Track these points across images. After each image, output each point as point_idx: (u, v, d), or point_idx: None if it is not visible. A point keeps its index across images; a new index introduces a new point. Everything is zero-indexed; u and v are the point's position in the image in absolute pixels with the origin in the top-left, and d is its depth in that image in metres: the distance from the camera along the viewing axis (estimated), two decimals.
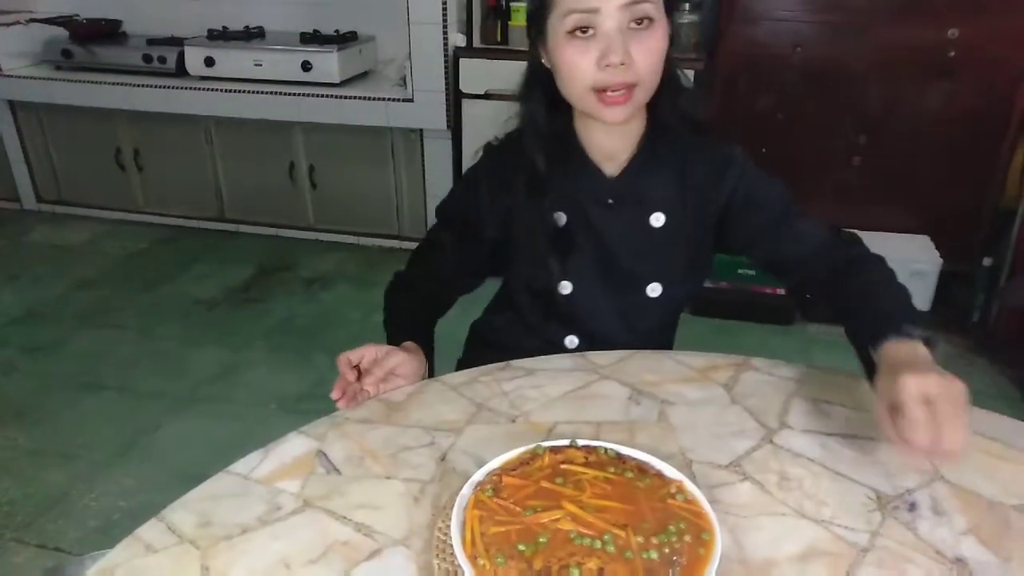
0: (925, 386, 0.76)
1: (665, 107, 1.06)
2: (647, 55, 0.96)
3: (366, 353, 1.01)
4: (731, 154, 1.09)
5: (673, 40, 1.02)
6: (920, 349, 0.84)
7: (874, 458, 0.88)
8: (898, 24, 2.54)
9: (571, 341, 1.17)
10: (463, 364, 1.26)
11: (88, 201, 3.68)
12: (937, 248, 2.65)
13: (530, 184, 1.08)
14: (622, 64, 0.94)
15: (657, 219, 1.09)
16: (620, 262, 1.11)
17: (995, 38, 2.49)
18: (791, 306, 2.69)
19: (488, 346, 1.24)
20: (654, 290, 1.12)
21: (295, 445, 0.90)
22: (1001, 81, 2.53)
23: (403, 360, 1.01)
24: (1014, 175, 2.62)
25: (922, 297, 2.61)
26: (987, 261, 2.63)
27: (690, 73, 2.69)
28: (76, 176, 3.65)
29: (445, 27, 2.87)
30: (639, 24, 0.95)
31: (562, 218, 1.10)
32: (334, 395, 0.99)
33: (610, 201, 1.09)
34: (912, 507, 0.81)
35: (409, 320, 1.15)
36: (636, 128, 1.07)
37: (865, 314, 0.95)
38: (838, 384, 1.03)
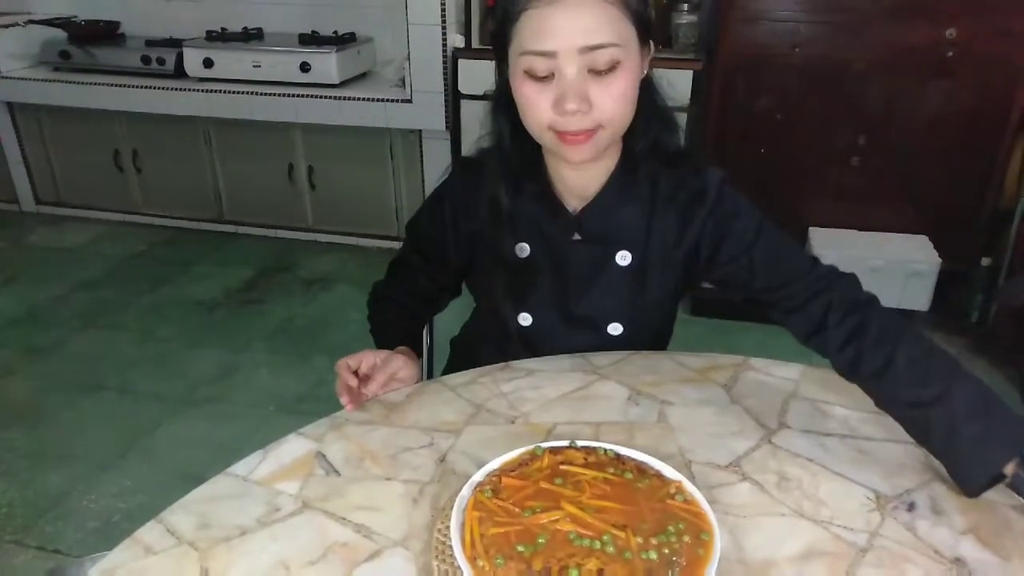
0: None
1: (639, 140, 1.00)
2: (609, 101, 0.90)
3: (364, 359, 1.01)
4: (704, 188, 1.02)
5: (649, 73, 0.97)
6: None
7: (873, 458, 0.88)
8: (897, 24, 2.53)
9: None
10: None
11: (87, 203, 3.68)
12: (936, 248, 2.65)
13: (492, 219, 1.04)
14: (579, 111, 0.88)
15: (623, 257, 1.04)
16: (582, 300, 1.07)
17: (993, 38, 2.49)
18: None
19: (466, 362, 1.23)
20: (615, 329, 1.08)
21: (294, 446, 0.90)
22: (999, 81, 2.53)
23: (403, 364, 1.01)
24: (1012, 175, 2.62)
25: (921, 297, 2.61)
26: (986, 261, 2.63)
27: (688, 74, 2.70)
28: (75, 178, 3.65)
29: (444, 28, 2.87)
30: (602, 69, 0.88)
31: (525, 250, 1.06)
32: (343, 400, 0.97)
33: (576, 237, 1.04)
34: (911, 507, 0.81)
35: (396, 327, 1.16)
36: (607, 162, 1.02)
37: (948, 431, 0.83)
38: (837, 384, 1.03)
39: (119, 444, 2.12)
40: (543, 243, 1.05)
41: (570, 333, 1.09)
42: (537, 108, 0.91)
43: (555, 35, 0.87)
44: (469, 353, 1.25)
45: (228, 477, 0.85)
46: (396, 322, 1.18)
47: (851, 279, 0.99)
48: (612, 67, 0.88)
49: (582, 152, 0.93)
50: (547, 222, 1.05)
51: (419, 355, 1.13)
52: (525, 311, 1.08)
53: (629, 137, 1.00)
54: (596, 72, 0.89)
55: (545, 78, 0.90)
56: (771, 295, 1.01)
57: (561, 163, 1.01)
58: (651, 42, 0.96)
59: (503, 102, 1.00)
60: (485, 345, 1.19)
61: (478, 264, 1.12)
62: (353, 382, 0.99)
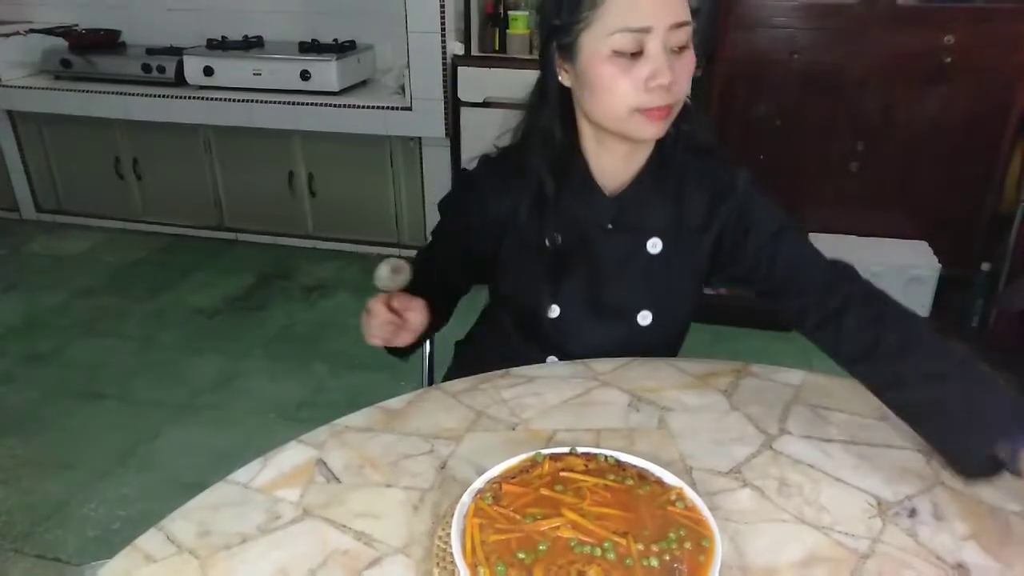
0: None
1: (674, 132, 1.03)
2: (685, 78, 0.95)
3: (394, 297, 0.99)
4: (732, 182, 1.06)
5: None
6: None
7: (874, 464, 0.88)
8: (895, 31, 2.55)
9: (551, 361, 1.15)
10: (448, 379, 1.25)
11: (87, 210, 3.68)
12: (936, 253, 2.65)
13: (533, 203, 1.05)
14: (672, 84, 0.92)
15: (654, 245, 1.06)
16: (613, 288, 1.08)
17: (991, 44, 2.50)
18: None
19: (471, 366, 1.22)
20: (644, 318, 1.09)
21: (294, 454, 0.90)
22: (997, 86, 2.54)
23: (420, 306, 0.99)
24: (1011, 180, 2.62)
25: (921, 302, 2.61)
26: (986, 266, 2.63)
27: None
28: (75, 186, 3.66)
29: (443, 36, 2.88)
30: (682, 46, 0.94)
31: (558, 239, 1.07)
32: (376, 337, 0.98)
33: (609, 226, 1.06)
34: (912, 513, 0.81)
35: (425, 287, 1.12)
36: (643, 151, 1.05)
37: (953, 410, 0.85)
38: (837, 390, 1.03)
39: (119, 452, 2.12)
40: (576, 232, 1.07)
41: (599, 324, 1.10)
42: (621, 88, 0.93)
43: (650, 9, 0.91)
44: (475, 356, 1.25)
45: (228, 484, 0.85)
46: (425, 284, 1.13)
47: (865, 280, 1.02)
48: (685, 46, 0.94)
49: (660, 128, 0.96)
50: (582, 210, 1.06)
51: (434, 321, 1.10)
52: (554, 302, 1.09)
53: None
54: (673, 51, 0.93)
55: (633, 56, 0.92)
56: (789, 290, 1.03)
57: (602, 152, 1.04)
58: None
59: (550, 100, 1.02)
60: (491, 350, 1.19)
61: (506, 254, 1.12)
62: (389, 316, 0.97)
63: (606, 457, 0.82)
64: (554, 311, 1.09)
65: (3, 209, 3.77)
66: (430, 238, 1.22)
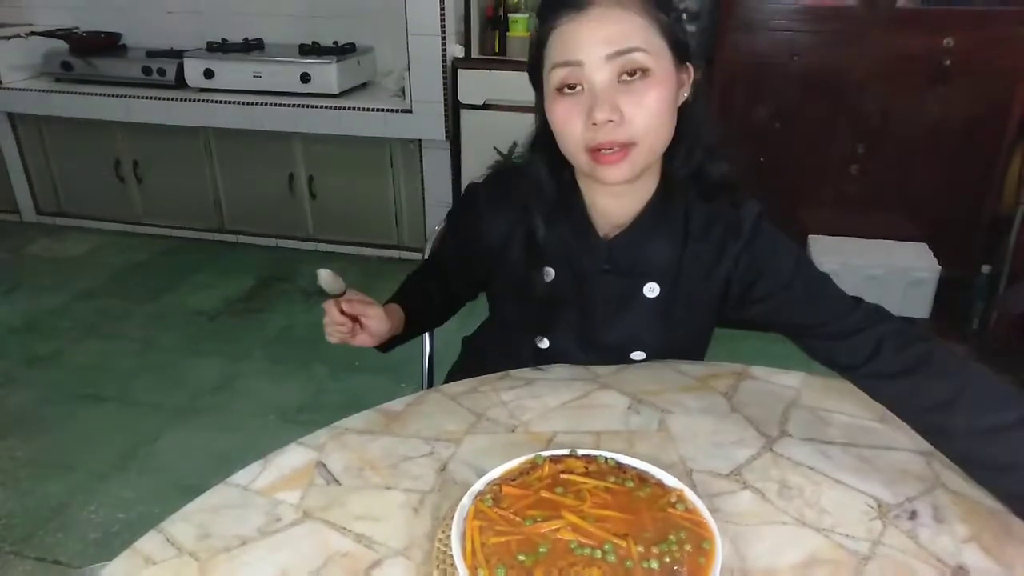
0: None
1: (676, 166, 0.99)
2: (642, 111, 0.88)
3: (353, 296, 1.01)
4: (739, 222, 1.00)
5: (691, 99, 0.94)
6: None
7: (875, 466, 0.88)
8: (894, 33, 2.55)
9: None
10: (452, 375, 1.26)
11: (88, 213, 3.68)
12: (936, 255, 2.65)
13: (526, 236, 1.03)
14: (610, 121, 0.87)
15: (651, 289, 1.02)
16: (606, 328, 1.05)
17: (990, 46, 2.50)
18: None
19: (477, 359, 1.23)
20: (638, 356, 1.06)
21: (295, 456, 0.90)
22: (997, 89, 2.55)
23: (377, 315, 1.01)
24: (1011, 182, 2.62)
25: (921, 304, 2.61)
26: (986, 268, 2.63)
27: None
28: (76, 188, 3.66)
29: (443, 38, 2.88)
30: (631, 76, 0.88)
31: (550, 274, 1.04)
32: (331, 332, 1.01)
33: (606, 267, 1.02)
34: (913, 515, 0.80)
35: (407, 293, 1.16)
36: (645, 188, 1.00)
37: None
38: (837, 392, 1.03)
39: (119, 454, 2.12)
40: (569, 270, 1.03)
41: (589, 359, 1.07)
42: (571, 125, 0.90)
43: (580, 45, 0.88)
44: (479, 355, 1.25)
45: (228, 487, 0.85)
46: (411, 290, 1.17)
47: (895, 319, 0.95)
48: (641, 76, 0.88)
49: (617, 172, 0.90)
50: (576, 249, 1.03)
51: (405, 323, 1.11)
52: (544, 335, 1.07)
53: (668, 165, 0.99)
54: (626, 82, 0.88)
55: (575, 93, 0.89)
56: (811, 331, 0.97)
57: (597, 191, 1.00)
58: (691, 65, 0.95)
59: (542, 139, 0.99)
60: (493, 351, 1.19)
61: (499, 280, 1.11)
62: (339, 318, 0.99)
63: (606, 459, 0.82)
64: (544, 343, 1.08)
65: (3, 211, 3.78)
66: (436, 245, 1.23)
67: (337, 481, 0.85)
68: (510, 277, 1.07)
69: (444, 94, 2.94)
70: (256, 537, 0.77)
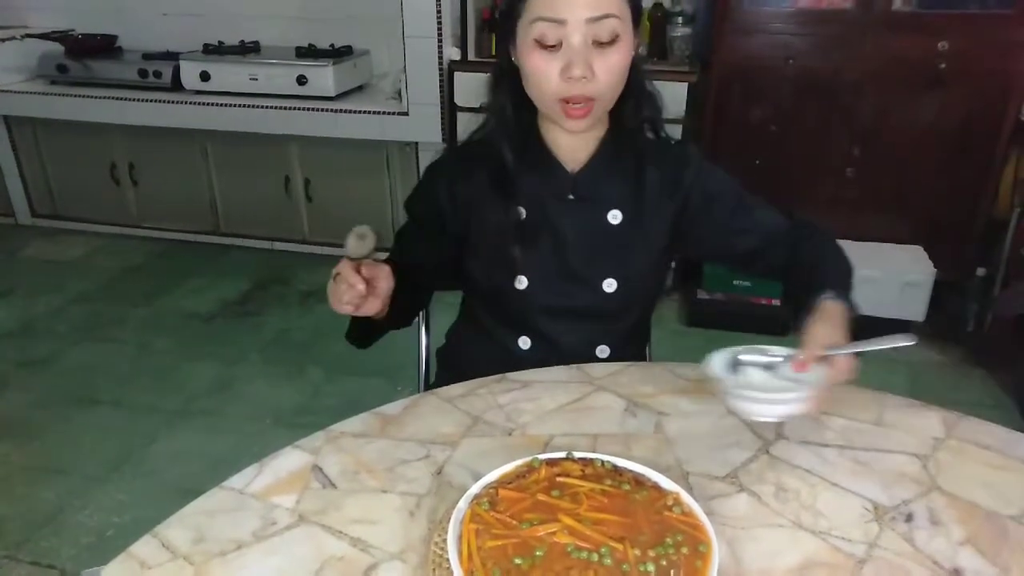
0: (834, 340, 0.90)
1: (627, 113, 1.10)
2: (608, 72, 1.00)
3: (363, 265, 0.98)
4: (687, 155, 1.14)
5: (642, 50, 1.05)
6: (840, 311, 0.94)
7: (871, 469, 0.88)
8: (889, 37, 2.56)
9: (524, 342, 1.18)
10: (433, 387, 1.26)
11: (83, 216, 3.67)
12: (931, 258, 2.66)
13: (494, 179, 1.11)
14: (584, 78, 0.98)
15: (614, 216, 1.12)
16: (577, 257, 1.12)
17: (985, 50, 2.51)
18: (786, 317, 2.70)
19: (452, 367, 1.26)
20: (609, 285, 1.13)
21: (290, 459, 0.89)
22: (991, 92, 2.55)
23: (387, 273, 0.99)
24: (1006, 185, 2.63)
25: (916, 307, 2.62)
26: (981, 271, 2.64)
27: (683, 86, 2.71)
28: (71, 191, 3.65)
29: (440, 41, 2.88)
30: (604, 40, 0.98)
31: (522, 213, 1.12)
32: (345, 303, 0.97)
33: (570, 197, 1.12)
34: (909, 518, 0.81)
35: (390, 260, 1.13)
36: (597, 131, 1.11)
37: (810, 280, 1.03)
38: (835, 395, 1.03)
39: (114, 457, 2.11)
40: (539, 206, 1.12)
41: (565, 292, 1.14)
42: (545, 76, 1.00)
43: (565, 5, 0.96)
44: (455, 356, 1.28)
45: (224, 491, 0.84)
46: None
47: (811, 225, 1.14)
48: (613, 39, 0.98)
49: (580, 125, 1.03)
50: (543, 185, 1.12)
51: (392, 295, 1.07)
52: (521, 273, 1.12)
53: (616, 111, 1.09)
54: (599, 44, 0.98)
55: (553, 48, 0.98)
56: (760, 259, 1.14)
57: (557, 131, 1.10)
58: (638, 28, 1.06)
59: (505, 78, 1.09)
60: (468, 344, 1.22)
61: (474, 234, 1.15)
62: (361, 284, 0.96)
63: (603, 462, 0.82)
64: (522, 282, 1.13)
65: None
66: (396, 240, 1.23)
67: (333, 484, 0.85)
68: (484, 227, 1.13)
69: (440, 96, 2.94)
70: (251, 541, 0.77)
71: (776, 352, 0.92)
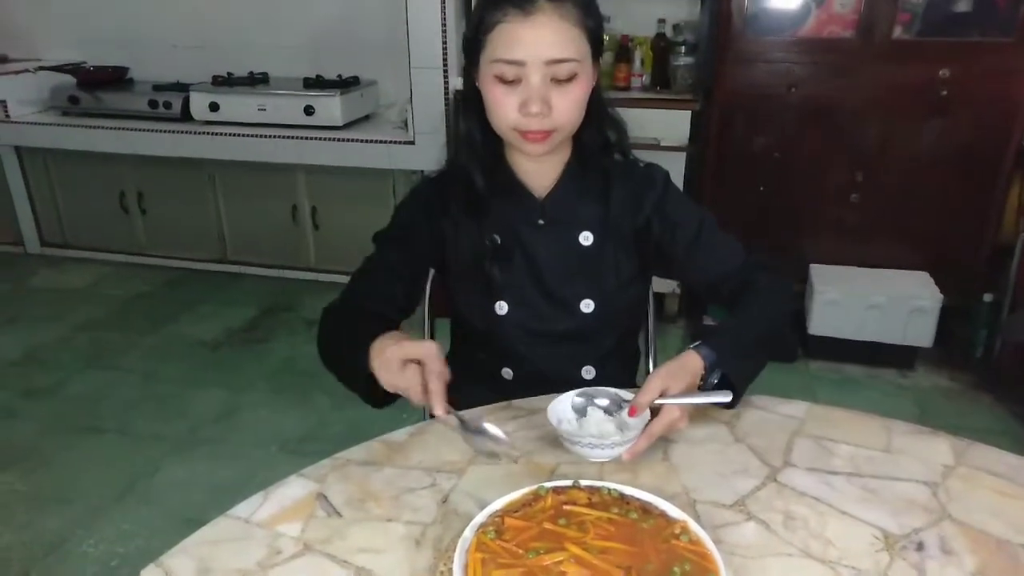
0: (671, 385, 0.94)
1: (590, 138, 1.13)
2: (567, 106, 1.02)
3: (418, 350, 0.87)
4: (652, 176, 1.16)
5: (598, 83, 1.09)
6: (694, 363, 0.98)
7: (880, 497, 0.87)
8: (890, 64, 2.58)
9: (507, 373, 1.19)
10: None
11: (91, 244, 3.70)
12: (937, 284, 2.65)
13: (468, 205, 1.13)
14: (540, 113, 1.00)
15: (586, 238, 1.14)
16: (553, 280, 1.14)
17: (985, 77, 2.53)
18: (793, 342, 2.69)
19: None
20: (587, 306, 1.14)
21: (296, 487, 0.89)
22: (994, 118, 2.57)
23: (439, 353, 0.89)
24: (1011, 210, 2.63)
25: (924, 333, 2.60)
26: (988, 296, 2.63)
27: (686, 114, 2.74)
28: (80, 220, 3.69)
29: (445, 71, 2.92)
30: (563, 78, 1.00)
31: (496, 240, 1.14)
32: (438, 411, 0.85)
33: (540, 222, 1.14)
34: (920, 547, 0.80)
35: (379, 322, 1.03)
36: (561, 155, 1.13)
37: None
38: (841, 421, 1.02)
39: (118, 486, 2.10)
40: (511, 232, 1.14)
41: (544, 315, 1.15)
42: (504, 108, 1.03)
43: (524, 47, 0.99)
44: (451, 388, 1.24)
45: (229, 519, 0.84)
46: (378, 329, 0.97)
47: (765, 268, 1.14)
48: (570, 78, 1.01)
49: (539, 148, 1.05)
50: (514, 210, 1.14)
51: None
52: (501, 299, 1.14)
53: (579, 135, 1.12)
54: (557, 81, 1.01)
55: (512, 83, 1.01)
56: (716, 289, 1.15)
57: (522, 156, 1.12)
58: (599, 58, 1.09)
59: (472, 103, 1.11)
60: (457, 377, 1.19)
61: (452, 265, 1.18)
62: (438, 383, 0.86)
63: (609, 490, 0.82)
64: (502, 308, 1.15)
65: (8, 244, 3.80)
66: (364, 269, 1.21)
67: (338, 513, 0.85)
68: (460, 259, 1.16)
69: (446, 126, 2.98)
70: (256, 571, 0.77)
71: (622, 396, 1.00)
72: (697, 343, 1.00)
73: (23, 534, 1.93)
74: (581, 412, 0.99)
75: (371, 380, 0.91)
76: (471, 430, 0.89)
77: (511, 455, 0.91)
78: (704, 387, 0.98)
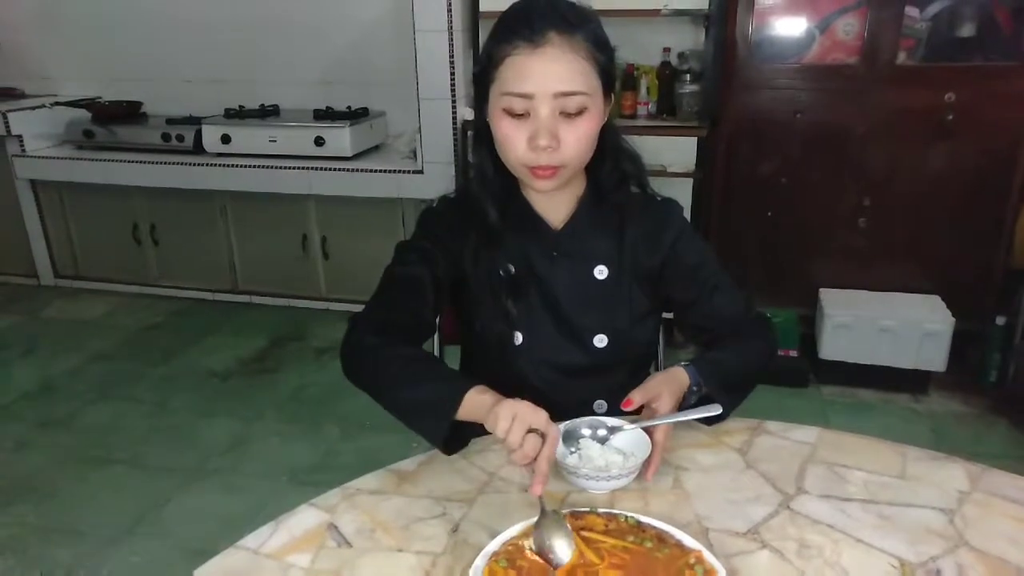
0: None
1: (604, 171, 1.12)
2: (576, 141, 1.02)
3: (553, 430, 0.87)
4: (671, 216, 1.16)
5: (611, 119, 1.09)
6: (681, 375, 1.03)
7: (896, 524, 0.86)
8: (895, 90, 2.60)
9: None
10: None
11: (104, 276, 3.74)
12: (949, 307, 2.63)
13: (482, 237, 1.12)
14: (549, 147, 1.00)
15: (600, 271, 1.14)
16: (567, 312, 1.14)
17: (992, 101, 2.54)
18: (805, 368, 2.67)
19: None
20: (600, 341, 1.14)
21: (306, 517, 0.89)
22: (1001, 142, 2.57)
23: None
24: (1021, 233, 2.62)
25: (937, 357, 2.58)
26: (1000, 320, 2.61)
27: (693, 140, 2.75)
28: (94, 252, 3.73)
29: (454, 102, 2.96)
30: (572, 112, 1.00)
31: (511, 269, 1.14)
32: (536, 491, 0.83)
33: (555, 254, 1.14)
34: (937, 574, 0.78)
35: (432, 360, 1.07)
36: (574, 189, 1.13)
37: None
38: (855, 447, 1.01)
39: (129, 518, 2.10)
40: (527, 263, 1.14)
41: (560, 347, 1.15)
42: (513, 143, 1.02)
43: (534, 80, 0.99)
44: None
45: (239, 550, 0.84)
46: (416, 355, 1.03)
47: (762, 322, 1.18)
48: (580, 111, 1.01)
49: (548, 184, 1.05)
50: (529, 243, 1.14)
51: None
52: (516, 328, 1.14)
53: (594, 169, 1.12)
54: (566, 115, 1.00)
55: (521, 116, 1.01)
56: (712, 329, 1.16)
57: (532, 190, 1.12)
58: (612, 93, 1.09)
59: (483, 137, 1.11)
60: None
61: (468, 292, 1.16)
62: (546, 466, 0.85)
63: (626, 518, 0.81)
64: (518, 338, 1.14)
65: (22, 275, 3.84)
66: (393, 279, 1.19)
67: (348, 543, 0.85)
68: (476, 288, 1.15)
69: (455, 155, 3.01)
70: None
71: (610, 423, 0.99)
72: (684, 363, 1.05)
73: (34, 566, 1.93)
74: (571, 442, 0.98)
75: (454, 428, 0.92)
76: (548, 517, 0.81)
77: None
78: (684, 405, 1.03)
